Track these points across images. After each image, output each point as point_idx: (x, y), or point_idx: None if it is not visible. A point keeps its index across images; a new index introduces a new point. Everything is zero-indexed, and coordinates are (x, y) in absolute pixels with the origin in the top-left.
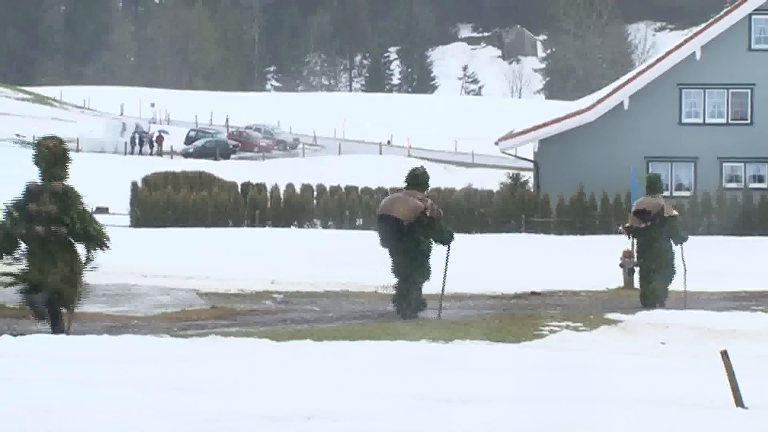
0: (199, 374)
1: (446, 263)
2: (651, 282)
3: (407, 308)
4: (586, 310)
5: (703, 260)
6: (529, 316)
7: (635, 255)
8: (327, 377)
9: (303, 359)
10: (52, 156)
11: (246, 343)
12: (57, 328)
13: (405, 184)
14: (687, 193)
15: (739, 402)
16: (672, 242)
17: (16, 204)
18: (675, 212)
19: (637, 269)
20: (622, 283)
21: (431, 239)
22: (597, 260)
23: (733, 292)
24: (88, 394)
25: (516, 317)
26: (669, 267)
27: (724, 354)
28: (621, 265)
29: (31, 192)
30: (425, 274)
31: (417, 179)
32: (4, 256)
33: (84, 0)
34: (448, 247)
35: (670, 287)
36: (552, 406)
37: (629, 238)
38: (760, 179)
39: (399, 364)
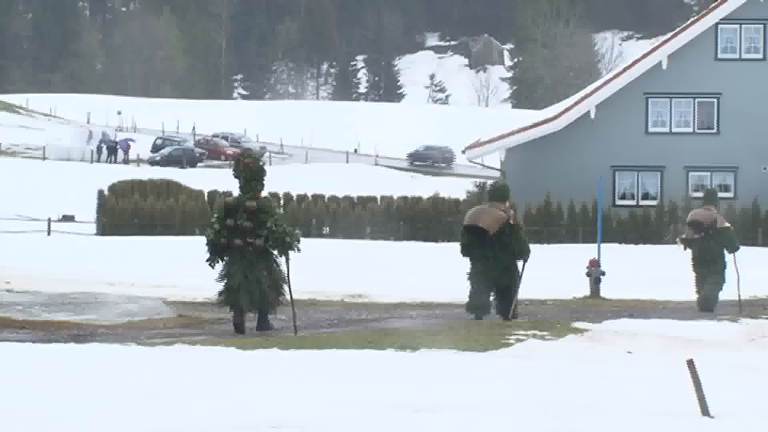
0: (166, 382)
1: (521, 274)
2: (705, 290)
3: (505, 312)
4: (552, 318)
5: (670, 269)
6: (496, 325)
7: (691, 264)
8: (294, 385)
9: (270, 367)
10: (249, 172)
11: (213, 352)
12: (263, 325)
13: (488, 198)
14: (653, 202)
15: (705, 411)
16: (726, 252)
17: (218, 218)
18: (728, 224)
19: (693, 277)
20: (588, 292)
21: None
22: (564, 269)
23: None
24: (55, 403)
25: (483, 326)
26: (720, 276)
27: (691, 363)
28: (588, 274)
29: (229, 208)
30: (513, 278)
31: (499, 192)
32: (219, 261)
33: (52, 8)
34: (524, 261)
35: (722, 295)
36: (520, 414)
37: (684, 249)
38: (727, 188)
39: (366, 373)
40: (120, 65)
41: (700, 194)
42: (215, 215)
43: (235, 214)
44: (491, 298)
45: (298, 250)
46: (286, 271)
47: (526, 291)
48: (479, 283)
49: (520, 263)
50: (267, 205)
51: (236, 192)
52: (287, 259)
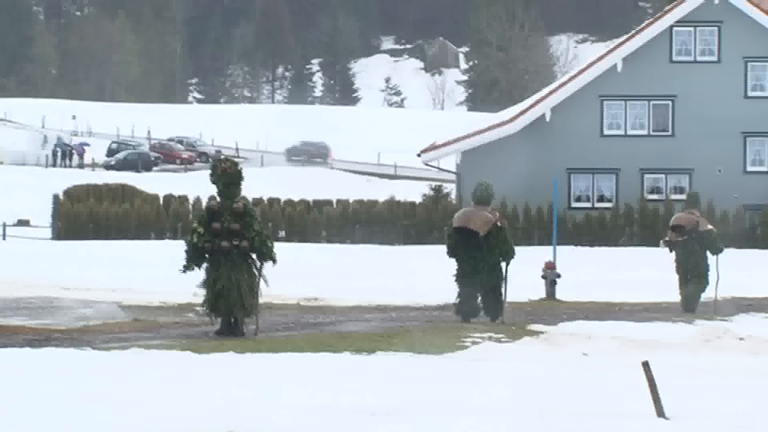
0: (122, 387)
1: (506, 274)
2: (686, 291)
3: (494, 313)
4: (508, 321)
5: (626, 271)
6: (452, 328)
7: (674, 266)
8: (250, 390)
9: (226, 372)
10: (227, 177)
11: (168, 356)
12: (237, 331)
13: (473, 201)
14: (609, 205)
15: (660, 413)
16: (708, 254)
17: (200, 222)
18: (710, 226)
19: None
20: (544, 295)
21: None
22: (519, 271)
23: (656, 302)
24: (11, 408)
25: (439, 329)
26: (703, 277)
27: (646, 365)
28: (543, 277)
29: (213, 212)
30: (500, 279)
31: (485, 195)
32: (194, 268)
33: (6, 12)
34: (507, 263)
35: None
36: (472, 416)
37: (670, 251)
38: (681, 190)
39: (323, 376)
40: (75, 69)
41: (655, 196)
42: (196, 221)
43: (220, 218)
44: (479, 300)
45: (275, 261)
46: (258, 276)
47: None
48: (467, 285)
49: (503, 264)
50: (252, 208)
51: (191, 197)
52: (262, 264)
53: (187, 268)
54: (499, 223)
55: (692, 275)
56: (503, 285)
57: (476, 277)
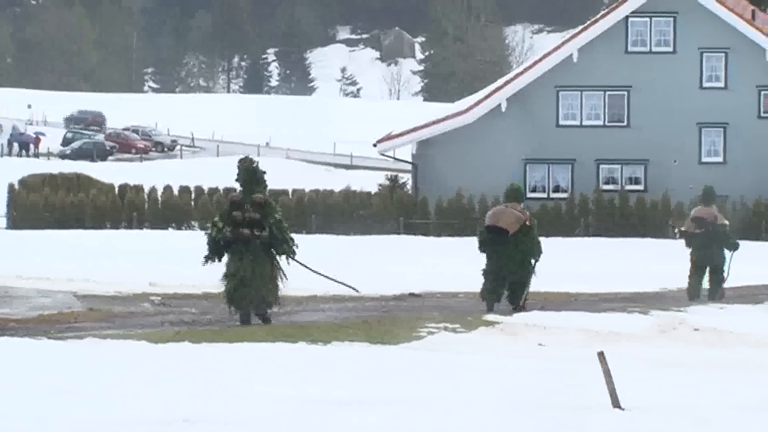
0: (78, 377)
1: (533, 268)
2: (709, 291)
3: (516, 303)
4: (464, 311)
5: (581, 262)
6: (408, 318)
7: (690, 257)
8: (206, 380)
9: (182, 362)
10: (246, 173)
11: (124, 346)
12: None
13: (504, 198)
14: (564, 195)
15: (615, 403)
16: (724, 248)
17: (222, 215)
18: (726, 221)
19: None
20: None
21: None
22: (475, 262)
23: (613, 293)
24: None
25: (395, 319)
26: (721, 271)
27: (601, 355)
28: None
29: (235, 203)
30: (527, 274)
31: (515, 194)
32: (215, 260)
33: None
34: (536, 260)
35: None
36: (431, 408)
37: (679, 237)
38: (637, 181)
39: (279, 366)
40: (31, 59)
41: (610, 187)
42: (218, 215)
43: (242, 208)
44: (504, 291)
45: (289, 255)
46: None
47: (438, 283)
48: (494, 281)
49: (532, 260)
50: (270, 202)
51: (147, 186)
52: (278, 257)
53: (208, 259)
54: (528, 223)
55: (710, 267)
56: (529, 278)
57: (502, 274)
